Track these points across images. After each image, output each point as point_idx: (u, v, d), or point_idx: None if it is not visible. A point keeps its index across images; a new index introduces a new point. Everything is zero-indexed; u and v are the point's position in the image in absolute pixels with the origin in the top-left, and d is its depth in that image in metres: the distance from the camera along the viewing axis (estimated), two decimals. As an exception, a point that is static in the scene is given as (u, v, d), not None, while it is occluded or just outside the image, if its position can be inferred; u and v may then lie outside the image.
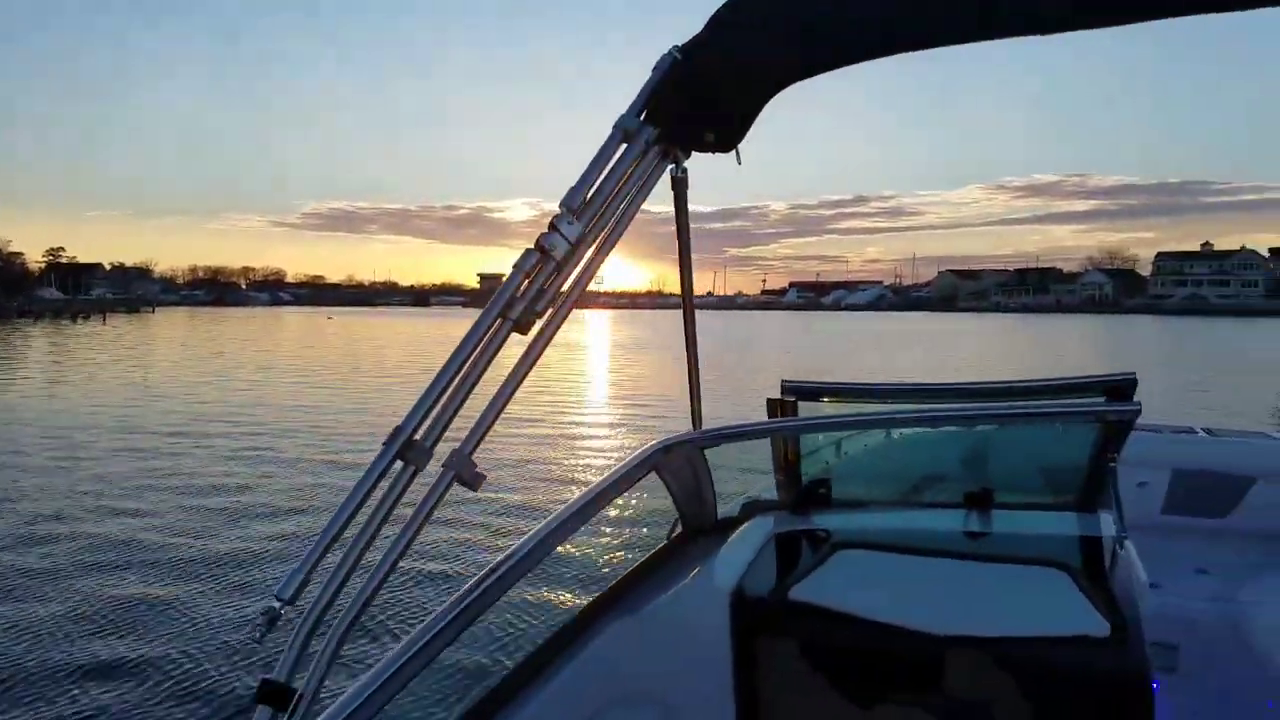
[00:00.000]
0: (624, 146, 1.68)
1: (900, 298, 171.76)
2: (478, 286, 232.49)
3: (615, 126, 1.68)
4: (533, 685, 1.98)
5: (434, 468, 1.45)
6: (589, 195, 1.63)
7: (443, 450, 1.47)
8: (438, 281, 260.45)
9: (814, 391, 2.91)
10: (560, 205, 1.61)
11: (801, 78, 1.78)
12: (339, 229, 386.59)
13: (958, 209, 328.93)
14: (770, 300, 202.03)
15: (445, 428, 1.47)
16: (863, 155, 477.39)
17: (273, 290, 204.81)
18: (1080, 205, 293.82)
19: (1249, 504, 4.37)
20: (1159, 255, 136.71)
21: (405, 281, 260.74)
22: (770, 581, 2.64)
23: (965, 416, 2.86)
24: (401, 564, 1.42)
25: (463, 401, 1.50)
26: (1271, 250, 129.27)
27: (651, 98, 1.70)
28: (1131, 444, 4.65)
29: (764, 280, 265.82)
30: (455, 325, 75.08)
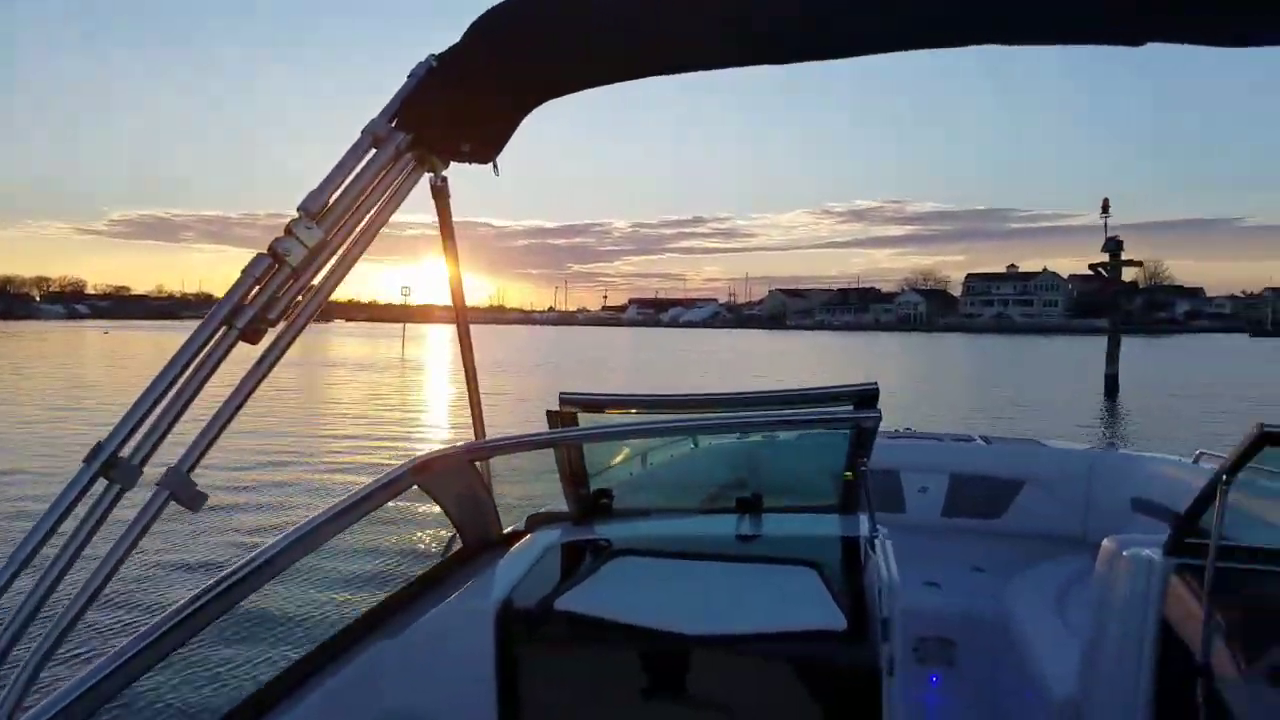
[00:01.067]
0: (373, 152, 1.65)
1: (734, 315, 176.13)
2: None
3: (364, 132, 1.65)
4: (277, 711, 1.96)
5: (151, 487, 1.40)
6: (331, 200, 1.59)
7: (159, 469, 1.40)
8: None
9: (592, 403, 2.91)
10: (298, 209, 1.55)
11: (562, 93, 1.78)
12: (151, 237, 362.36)
13: (788, 231, 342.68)
14: (610, 316, 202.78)
15: (157, 444, 1.40)
16: (700, 178, 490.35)
17: (69, 303, 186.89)
18: (897, 230, 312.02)
19: (1018, 506, 4.76)
20: (968, 277, 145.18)
21: (221, 294, 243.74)
22: (541, 593, 2.58)
23: (728, 425, 3.05)
24: (125, 588, 1.41)
25: (178, 416, 1.42)
26: (1071, 275, 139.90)
27: (404, 104, 1.68)
28: (915, 452, 5.01)
29: (605, 296, 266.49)
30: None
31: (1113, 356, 35.07)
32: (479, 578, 2.65)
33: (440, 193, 2.07)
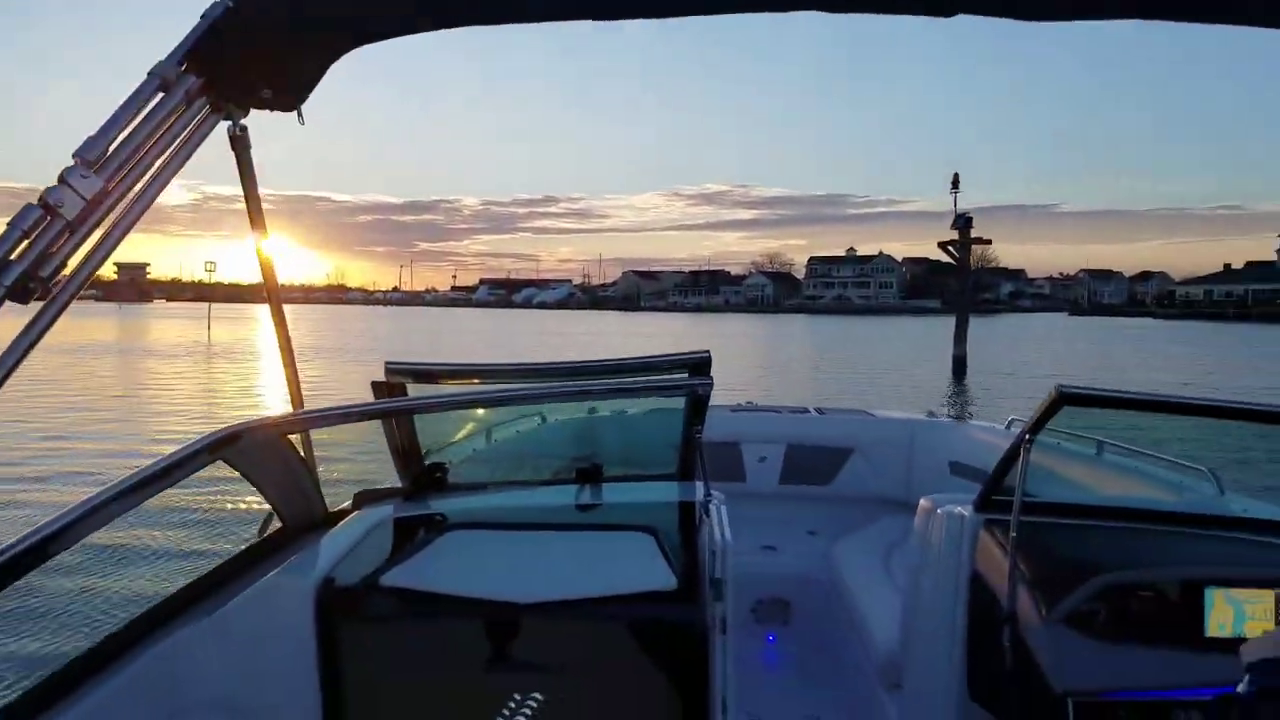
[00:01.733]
0: (160, 96, 1.54)
1: (588, 296, 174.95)
2: (115, 276, 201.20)
3: (150, 74, 1.53)
4: (68, 703, 1.82)
5: None
6: (111, 148, 1.47)
7: None
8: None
9: (421, 373, 2.80)
10: (74, 156, 1.42)
11: (372, 39, 1.70)
12: None
13: (640, 213, 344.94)
14: (460, 297, 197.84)
15: None
16: (553, 156, 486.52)
17: None
18: (745, 214, 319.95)
19: (848, 472, 5.05)
20: (811, 260, 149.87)
21: None
22: (367, 569, 2.51)
23: (563, 393, 2.97)
24: None
25: None
26: (905, 258, 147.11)
27: (196, 46, 1.57)
28: (755, 423, 5.27)
29: (454, 276, 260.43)
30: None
31: (960, 337, 34.82)
32: (299, 556, 2.53)
33: (239, 142, 1.93)
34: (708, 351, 2.60)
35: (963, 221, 39.51)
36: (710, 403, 6.25)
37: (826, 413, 5.67)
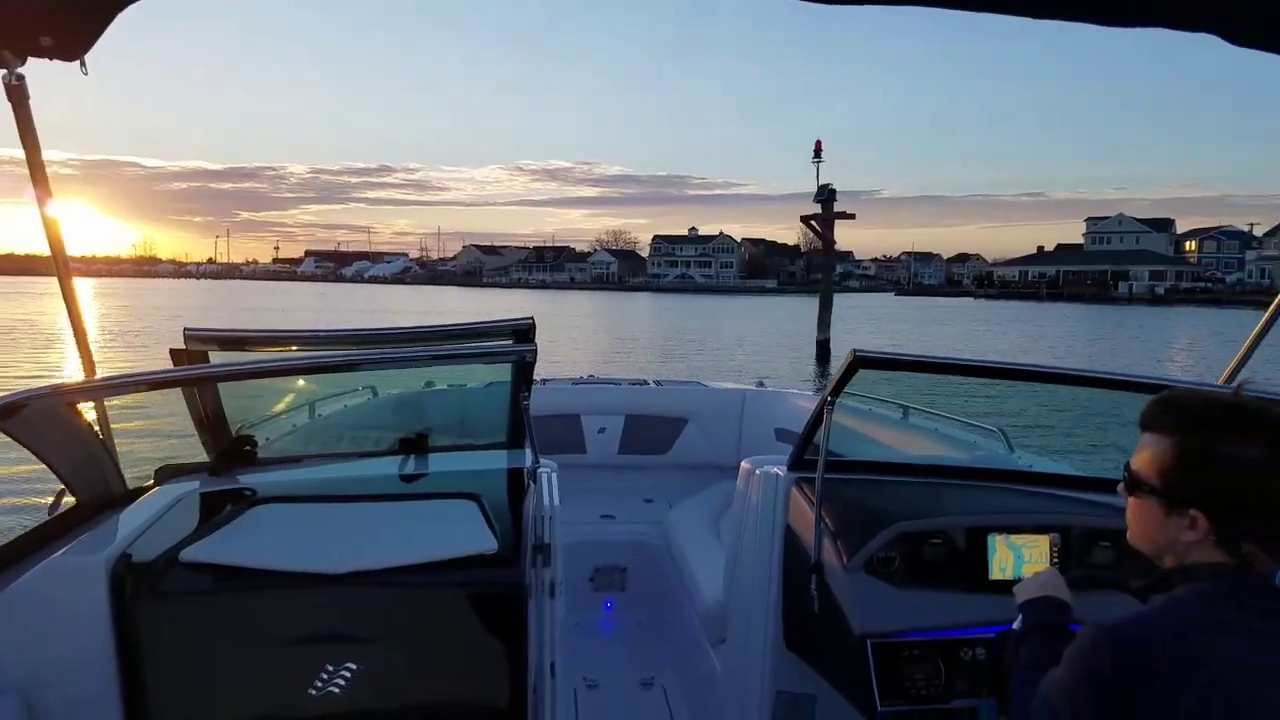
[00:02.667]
0: None
1: (426, 271, 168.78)
2: None
3: None
4: None
5: None
6: None
7: None
8: None
9: (224, 339, 2.72)
10: None
11: None
12: None
13: (482, 187, 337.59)
14: (284, 270, 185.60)
15: None
16: (388, 124, 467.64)
17: None
18: (589, 191, 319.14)
19: (683, 441, 5.25)
20: (655, 238, 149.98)
21: None
22: (166, 544, 2.38)
23: (380, 360, 2.85)
24: None
25: None
26: (743, 239, 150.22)
27: None
28: (594, 395, 5.43)
29: (277, 248, 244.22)
30: None
31: (824, 322, 33.27)
32: (93, 533, 2.40)
33: (17, 93, 1.85)
34: (531, 318, 2.60)
35: (826, 194, 36.05)
36: (552, 377, 5.67)
37: (664, 384, 5.87)
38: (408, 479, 3.06)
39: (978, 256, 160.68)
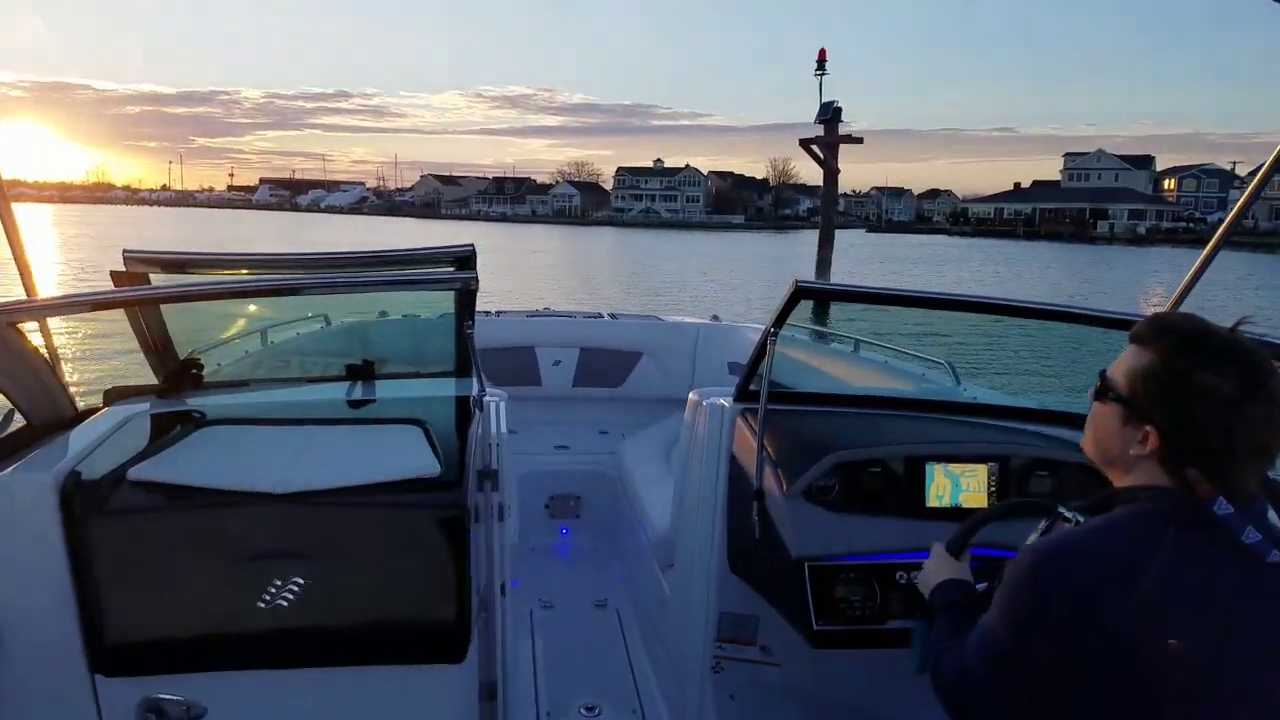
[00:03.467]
0: None
1: (384, 201, 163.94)
2: None
3: None
4: None
5: None
6: None
7: None
8: None
9: (166, 261, 2.73)
10: None
11: None
12: None
13: (441, 114, 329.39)
14: (239, 198, 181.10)
15: None
16: (342, 45, 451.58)
17: None
18: (551, 120, 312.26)
19: (637, 374, 5.28)
20: (619, 170, 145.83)
21: None
22: (115, 463, 2.43)
23: (318, 285, 2.79)
24: None
25: None
26: (710, 171, 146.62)
27: None
28: (550, 327, 5.44)
29: (231, 175, 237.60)
30: None
31: (824, 262, 28.88)
32: (41, 451, 2.43)
33: None
34: (471, 245, 2.62)
35: (831, 112, 30.85)
36: (506, 309, 5.86)
37: (619, 318, 5.90)
38: (354, 405, 3.07)
39: (949, 193, 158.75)
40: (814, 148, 31.29)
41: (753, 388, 2.93)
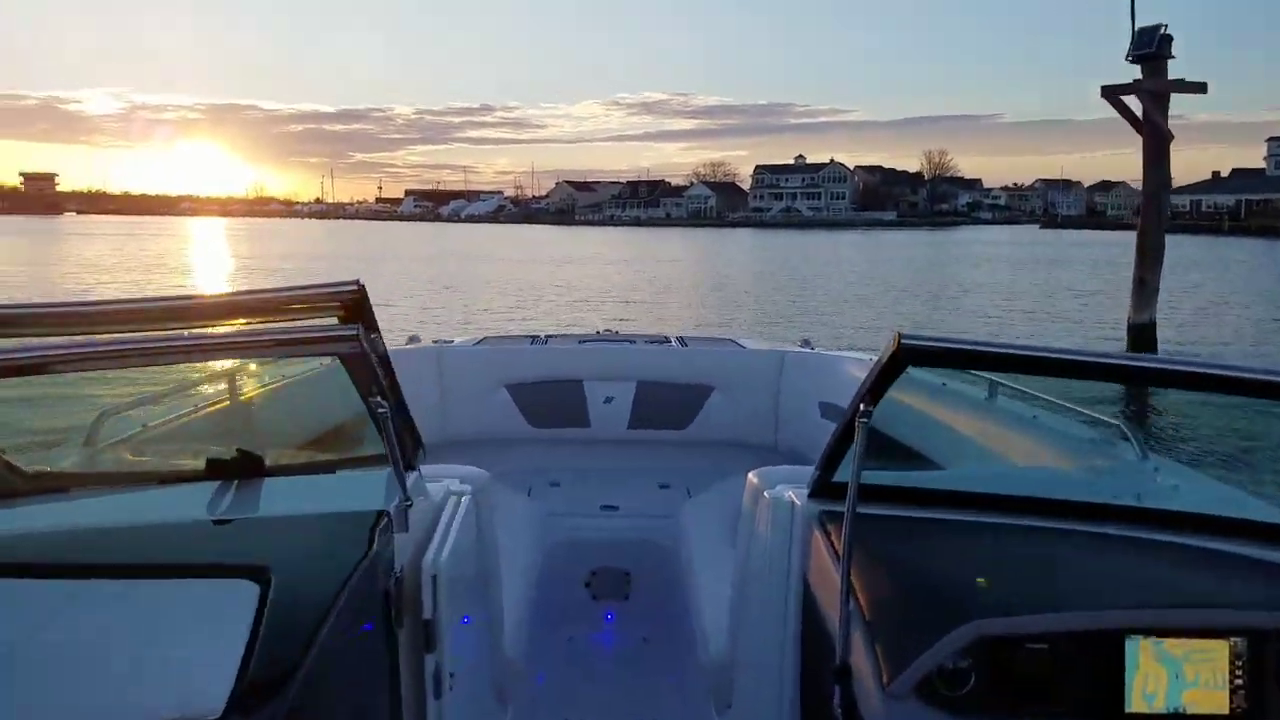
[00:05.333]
0: None
1: (520, 209, 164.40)
2: (20, 188, 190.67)
3: None
4: None
5: None
6: None
7: None
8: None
9: None
10: None
11: None
12: None
13: (579, 123, 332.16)
14: (385, 210, 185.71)
15: None
16: (488, 61, 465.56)
17: None
18: (686, 123, 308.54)
19: (707, 413, 4.41)
20: (757, 168, 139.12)
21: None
22: None
23: (114, 353, 1.87)
24: None
25: None
26: (856, 166, 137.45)
27: None
28: (600, 357, 4.54)
29: (380, 188, 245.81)
30: None
31: (1145, 290, 17.42)
32: None
33: None
34: (356, 282, 1.88)
35: (1156, 41, 17.72)
36: (553, 333, 5.04)
37: (689, 343, 4.90)
38: (184, 539, 1.96)
39: (1122, 184, 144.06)
40: (1126, 99, 18.21)
41: (836, 479, 2.11)
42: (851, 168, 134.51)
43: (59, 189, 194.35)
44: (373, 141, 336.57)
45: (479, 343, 4.84)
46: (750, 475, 2.50)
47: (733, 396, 4.49)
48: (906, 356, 1.79)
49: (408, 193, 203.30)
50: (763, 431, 4.43)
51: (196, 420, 2.93)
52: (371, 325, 1.78)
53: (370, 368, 1.80)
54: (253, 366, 3.12)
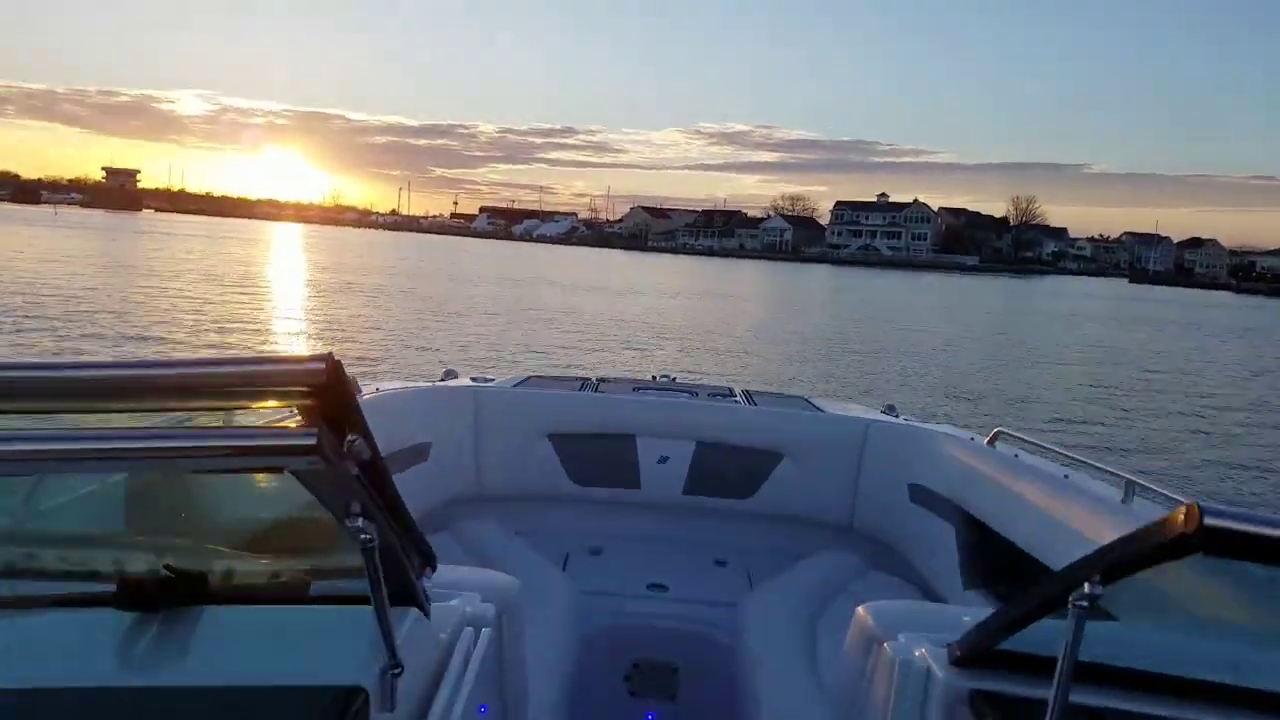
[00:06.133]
0: None
1: (593, 232, 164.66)
2: (102, 181, 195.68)
3: None
4: None
5: None
6: None
7: None
8: (68, 176, 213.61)
9: None
10: None
11: None
12: None
13: (659, 150, 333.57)
14: (459, 225, 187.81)
15: None
16: (574, 84, 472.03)
17: None
18: (766, 156, 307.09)
19: (776, 482, 3.99)
20: (837, 204, 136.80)
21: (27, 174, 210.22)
22: None
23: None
24: None
25: None
26: (940, 208, 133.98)
27: None
28: (658, 408, 4.06)
29: (455, 203, 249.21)
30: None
31: None
32: None
33: None
34: (328, 356, 1.28)
35: None
36: (605, 377, 4.47)
37: (756, 399, 4.37)
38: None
39: (1213, 242, 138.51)
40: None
41: (1002, 648, 1.58)
42: (935, 209, 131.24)
43: (140, 185, 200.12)
44: (453, 157, 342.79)
45: (522, 382, 4.38)
46: (860, 611, 1.99)
47: (806, 466, 3.98)
48: (1208, 543, 1.05)
49: (482, 209, 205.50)
50: (838, 509, 3.95)
51: (104, 507, 1.82)
52: (347, 421, 1.25)
53: (344, 483, 1.27)
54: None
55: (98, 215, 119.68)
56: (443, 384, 4.15)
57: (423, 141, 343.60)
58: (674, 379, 4.82)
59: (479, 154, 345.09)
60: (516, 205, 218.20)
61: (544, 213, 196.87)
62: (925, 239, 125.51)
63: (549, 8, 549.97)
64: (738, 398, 4.38)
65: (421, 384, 4.06)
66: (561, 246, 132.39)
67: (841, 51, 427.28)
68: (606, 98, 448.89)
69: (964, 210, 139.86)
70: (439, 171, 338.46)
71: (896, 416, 4.24)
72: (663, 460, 4.04)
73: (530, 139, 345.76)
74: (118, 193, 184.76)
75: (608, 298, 38.39)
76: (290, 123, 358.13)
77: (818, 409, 4.30)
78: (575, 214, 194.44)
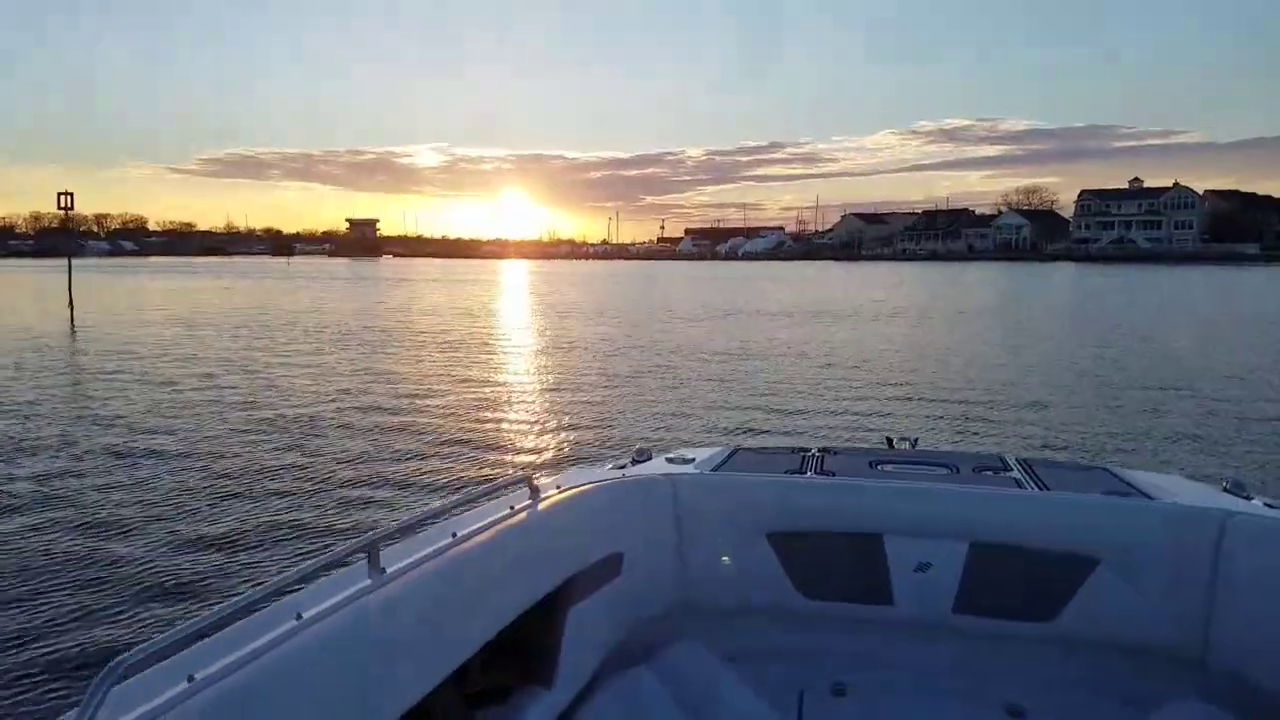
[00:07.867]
0: None
1: (801, 245, 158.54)
2: (347, 231, 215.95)
3: None
4: None
5: None
6: None
7: None
8: (321, 229, 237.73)
9: None
10: None
11: None
12: (239, 175, 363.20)
13: (872, 154, 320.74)
14: (663, 249, 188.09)
15: None
16: (780, 102, 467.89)
17: (119, 239, 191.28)
18: (990, 150, 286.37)
19: (1089, 598, 2.96)
20: (1083, 193, 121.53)
21: (292, 229, 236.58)
22: None
23: None
24: None
25: None
26: (1206, 190, 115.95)
27: None
28: (910, 499, 3.16)
29: (661, 227, 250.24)
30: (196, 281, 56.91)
31: None
32: None
33: None
34: None
35: None
36: (829, 447, 3.80)
37: (1043, 473, 3.27)
38: None
39: None
40: None
41: None
42: (1200, 192, 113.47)
43: (380, 233, 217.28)
44: (663, 184, 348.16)
45: (727, 459, 3.53)
46: None
47: (1132, 574, 2.91)
48: None
49: (687, 232, 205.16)
50: (1183, 636, 2.86)
51: None
52: None
53: None
54: None
55: (338, 262, 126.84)
56: (634, 472, 3.35)
57: (634, 172, 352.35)
58: (915, 442, 3.92)
59: (686, 178, 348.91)
60: (722, 224, 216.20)
61: (749, 229, 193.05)
62: (1191, 226, 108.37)
63: (755, 34, 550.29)
64: (1014, 471, 3.31)
65: (610, 473, 3.25)
66: (768, 262, 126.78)
67: (1055, 35, 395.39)
68: (815, 110, 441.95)
69: (1235, 192, 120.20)
70: (648, 199, 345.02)
71: (1249, 498, 3.00)
72: (922, 568, 3.09)
73: (736, 158, 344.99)
74: (360, 241, 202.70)
75: (808, 327, 28.02)
76: (513, 166, 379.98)
77: (1129, 485, 3.16)
78: (782, 228, 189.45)
